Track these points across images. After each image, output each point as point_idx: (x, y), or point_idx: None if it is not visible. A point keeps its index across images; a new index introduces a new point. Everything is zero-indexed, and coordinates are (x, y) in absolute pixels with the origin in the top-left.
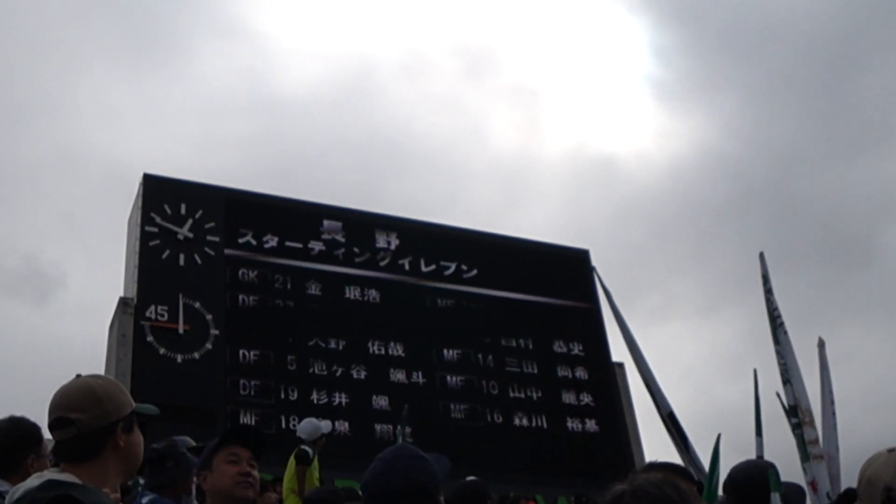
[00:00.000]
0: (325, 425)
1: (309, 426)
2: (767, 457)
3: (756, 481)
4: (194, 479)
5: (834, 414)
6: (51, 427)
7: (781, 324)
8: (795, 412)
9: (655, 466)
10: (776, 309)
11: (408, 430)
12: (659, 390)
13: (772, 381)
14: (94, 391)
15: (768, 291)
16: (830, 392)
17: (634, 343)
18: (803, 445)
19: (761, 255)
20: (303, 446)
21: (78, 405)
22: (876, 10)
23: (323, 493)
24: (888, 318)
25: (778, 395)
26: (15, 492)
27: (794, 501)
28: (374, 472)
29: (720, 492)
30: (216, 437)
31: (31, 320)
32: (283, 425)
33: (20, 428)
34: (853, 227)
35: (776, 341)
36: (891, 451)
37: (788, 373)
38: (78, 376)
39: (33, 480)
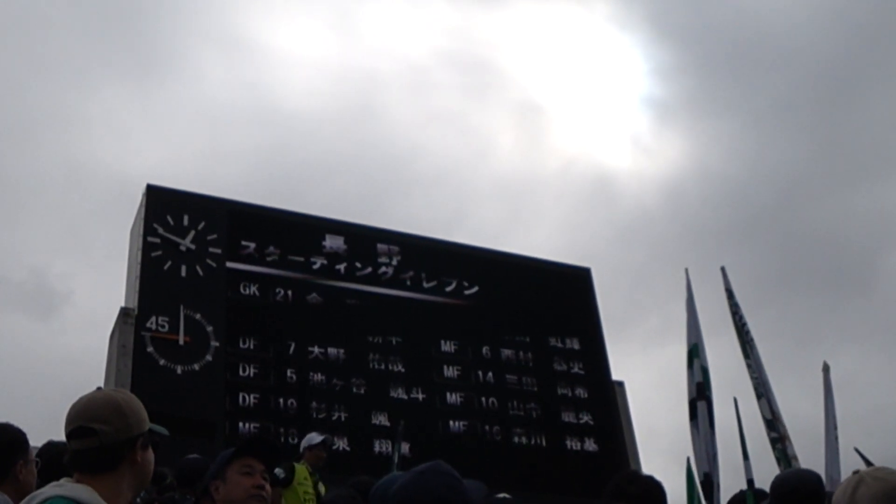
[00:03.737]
0: (312, 437)
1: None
2: (756, 480)
3: (805, 489)
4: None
5: (836, 439)
6: (69, 436)
7: (751, 339)
8: (774, 426)
9: (635, 480)
10: (745, 324)
11: (405, 446)
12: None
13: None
14: (119, 404)
15: (735, 306)
16: (834, 417)
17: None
18: (786, 459)
19: (723, 270)
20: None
21: (102, 416)
22: (879, 39)
23: (344, 499)
24: (889, 344)
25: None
26: (32, 498)
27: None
28: (404, 483)
29: None
30: (221, 450)
31: (36, 333)
32: (283, 439)
33: (7, 433)
34: (854, 253)
35: (746, 355)
36: (855, 472)
37: (762, 387)
38: (98, 389)
39: (51, 489)
